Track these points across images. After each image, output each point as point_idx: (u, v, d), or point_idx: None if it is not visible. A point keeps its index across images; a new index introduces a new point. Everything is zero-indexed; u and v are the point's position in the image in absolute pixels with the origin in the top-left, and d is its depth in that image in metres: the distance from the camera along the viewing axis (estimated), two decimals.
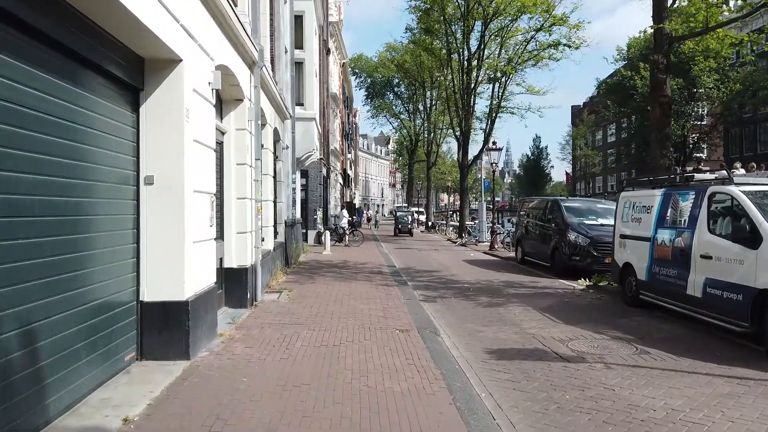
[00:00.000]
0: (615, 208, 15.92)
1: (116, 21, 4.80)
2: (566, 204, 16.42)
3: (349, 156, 55.61)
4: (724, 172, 8.38)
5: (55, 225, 4.37)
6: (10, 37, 3.80)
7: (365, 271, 15.15)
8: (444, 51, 32.94)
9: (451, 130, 37.09)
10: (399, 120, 56.06)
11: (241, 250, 9.21)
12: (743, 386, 5.74)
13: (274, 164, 13.62)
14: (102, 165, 5.11)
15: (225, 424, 4.36)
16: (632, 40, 46.28)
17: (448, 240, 31.80)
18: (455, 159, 55.33)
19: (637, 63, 40.34)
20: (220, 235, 8.59)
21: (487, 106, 32.52)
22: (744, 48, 26.39)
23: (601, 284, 12.54)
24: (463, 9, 29.05)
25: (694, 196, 8.75)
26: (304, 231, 22.83)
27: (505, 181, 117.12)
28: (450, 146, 69.17)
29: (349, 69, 49.92)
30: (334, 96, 33.53)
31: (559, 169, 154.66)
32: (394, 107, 55.09)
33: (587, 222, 15.30)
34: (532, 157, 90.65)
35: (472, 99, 30.66)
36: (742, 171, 11.68)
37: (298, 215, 19.55)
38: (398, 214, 38.10)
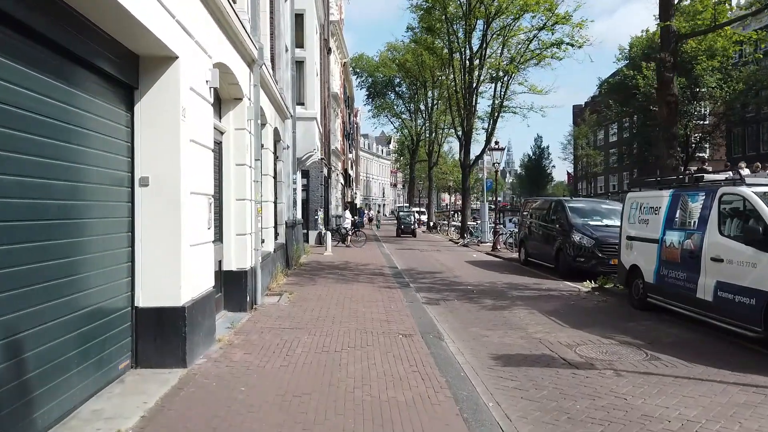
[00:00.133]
0: (619, 208, 15.89)
1: (108, 16, 4.60)
2: (570, 204, 16.22)
3: (350, 156, 55.43)
4: (736, 172, 8.16)
5: (45, 229, 4.18)
6: None
7: (367, 272, 14.96)
8: (446, 50, 32.74)
9: (453, 130, 36.87)
10: (400, 120, 55.90)
11: (241, 253, 9.01)
12: (760, 395, 5.54)
13: (275, 164, 13.43)
14: (95, 166, 4.92)
15: None
16: (634, 39, 46.08)
17: (450, 240, 31.62)
18: (457, 159, 55.17)
19: (640, 62, 40.18)
20: (218, 238, 8.39)
21: (489, 106, 32.24)
22: (751, 45, 26.20)
23: (607, 286, 12.33)
24: (465, 8, 28.84)
25: (703, 197, 8.54)
26: (305, 231, 22.65)
27: (506, 180, 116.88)
28: (451, 146, 68.97)
29: (350, 68, 49.73)
30: (335, 95, 33.35)
31: (560, 169, 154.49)
32: (395, 107, 54.95)
33: (592, 223, 15.09)
34: (533, 157, 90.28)
35: (474, 98, 30.45)
36: (747, 171, 11.46)
37: (299, 216, 19.36)
38: (401, 214, 37.58)
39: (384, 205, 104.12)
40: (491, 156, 26.41)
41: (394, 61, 47.76)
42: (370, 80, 52.79)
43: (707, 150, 44.36)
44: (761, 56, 35.05)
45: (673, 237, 9.09)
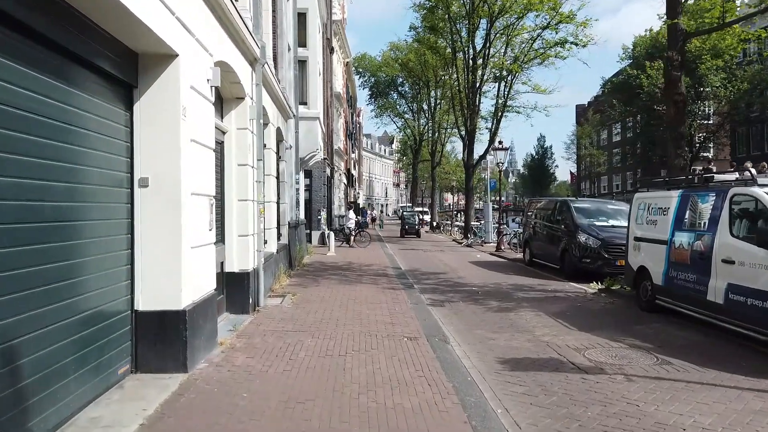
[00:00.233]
0: (625, 208, 15.72)
1: (106, 13, 4.47)
2: (576, 205, 16.06)
3: (353, 156, 55.29)
4: (748, 172, 8.00)
5: (41, 231, 4.06)
6: None
7: (370, 273, 14.82)
8: (449, 49, 32.62)
9: (456, 130, 36.65)
10: (403, 119, 55.73)
11: (243, 254, 8.89)
12: None
13: (277, 164, 13.30)
14: (93, 167, 4.79)
15: None
16: (638, 39, 45.84)
17: (454, 240, 31.47)
18: (459, 159, 55.11)
19: (643, 62, 39.96)
20: (220, 239, 8.27)
21: (492, 106, 32.18)
22: (761, 44, 25.94)
23: (614, 288, 12.17)
24: (468, 7, 28.69)
25: (714, 198, 8.38)
26: (308, 232, 22.51)
27: (509, 180, 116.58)
28: (454, 146, 68.90)
29: (353, 68, 49.59)
30: (338, 95, 33.21)
31: (563, 169, 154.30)
32: (398, 107, 54.78)
33: (598, 223, 14.94)
34: (536, 157, 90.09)
35: (477, 98, 30.30)
36: (753, 171, 11.27)
37: (302, 216, 19.23)
38: (404, 214, 36.91)
39: (387, 205, 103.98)
40: (495, 156, 26.23)
41: (396, 60, 47.61)
42: (372, 80, 52.64)
43: (711, 150, 44.14)
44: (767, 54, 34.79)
45: (683, 238, 8.93)
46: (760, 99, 37.15)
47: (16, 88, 3.75)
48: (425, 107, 50.90)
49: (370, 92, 53.17)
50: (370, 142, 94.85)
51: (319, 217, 24.53)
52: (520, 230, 23.91)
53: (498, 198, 27.12)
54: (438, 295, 11.76)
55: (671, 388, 5.77)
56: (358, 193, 64.09)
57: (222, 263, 8.41)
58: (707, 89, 37.68)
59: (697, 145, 40.42)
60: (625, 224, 13.23)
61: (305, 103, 19.92)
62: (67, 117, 4.39)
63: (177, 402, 4.87)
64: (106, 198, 5.04)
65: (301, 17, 19.07)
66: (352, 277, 13.77)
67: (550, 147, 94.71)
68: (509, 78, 29.90)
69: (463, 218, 39.57)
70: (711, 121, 42.28)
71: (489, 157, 32.82)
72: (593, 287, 12.65)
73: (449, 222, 45.31)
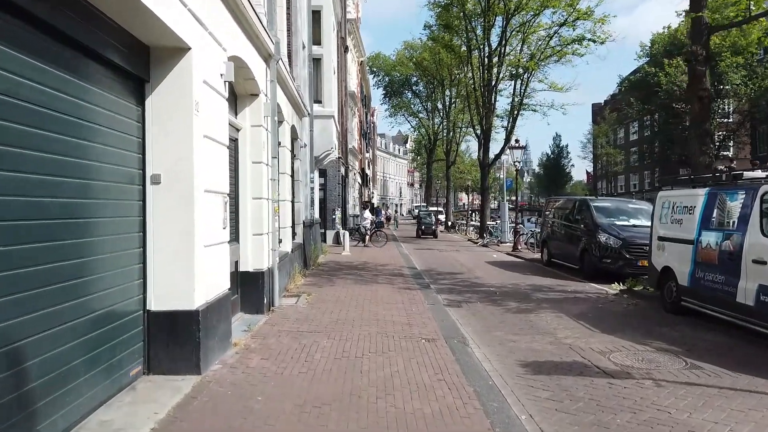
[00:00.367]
0: (646, 207, 15.39)
1: (116, 3, 4.32)
2: (595, 204, 15.72)
3: (367, 155, 55.12)
4: None
5: (51, 229, 3.92)
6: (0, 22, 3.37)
7: (386, 273, 14.64)
8: (464, 48, 32.32)
9: (471, 129, 36.37)
10: (417, 119, 55.52)
11: (258, 253, 8.74)
12: None
13: (292, 163, 13.16)
14: (104, 163, 4.65)
15: None
16: (656, 36, 45.22)
17: (469, 240, 31.17)
18: (474, 158, 54.72)
19: (661, 59, 39.33)
20: (234, 238, 8.13)
21: (508, 104, 31.73)
22: None
23: (636, 289, 11.85)
24: (483, 4, 28.33)
25: (743, 196, 8.07)
26: (323, 231, 22.36)
27: (523, 180, 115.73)
28: (468, 145, 68.44)
29: (367, 68, 49.45)
30: (352, 94, 33.05)
31: (579, 168, 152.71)
32: (412, 106, 54.61)
33: (618, 223, 14.61)
34: (552, 156, 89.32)
35: (493, 96, 29.94)
36: None
37: (317, 215, 19.09)
38: (421, 214, 35.77)
39: (401, 204, 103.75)
40: (511, 154, 25.88)
41: (411, 59, 47.42)
42: (386, 79, 52.53)
43: (731, 148, 43.33)
44: None
45: (710, 238, 8.62)
46: None
47: (27, 81, 3.62)
48: (440, 106, 50.66)
49: (384, 91, 53.15)
50: (384, 141, 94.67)
51: (333, 217, 24.38)
52: (537, 230, 23.60)
53: (516, 197, 26.74)
54: (455, 295, 11.53)
55: (703, 394, 5.52)
56: (373, 192, 63.93)
57: (236, 262, 8.27)
58: (727, 87, 36.98)
59: (717, 144, 39.71)
60: (647, 224, 12.96)
61: (320, 102, 19.78)
62: (79, 112, 4.26)
63: (190, 405, 4.71)
64: (118, 195, 4.90)
65: (316, 15, 18.92)
66: (367, 277, 13.58)
67: (566, 146, 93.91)
68: (525, 76, 29.51)
69: (477, 218, 39.26)
70: (731, 120, 41.50)
71: (504, 157, 32.49)
72: (614, 288, 12.35)
73: (465, 222, 44.95)
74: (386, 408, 4.78)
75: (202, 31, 5.67)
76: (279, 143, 10.01)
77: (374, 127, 69.25)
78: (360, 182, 44.45)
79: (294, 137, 13.40)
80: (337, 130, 22.40)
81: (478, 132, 31.61)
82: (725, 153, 39.91)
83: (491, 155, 31.35)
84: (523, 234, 24.30)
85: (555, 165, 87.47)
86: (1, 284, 3.40)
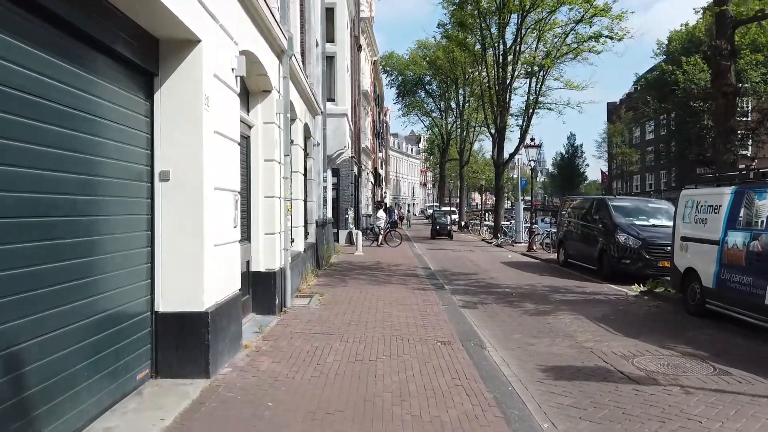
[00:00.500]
0: (666, 207, 15.04)
1: None
2: (614, 203, 15.37)
3: (380, 155, 54.92)
4: None
5: (57, 227, 3.77)
6: (5, 11, 3.21)
7: (399, 273, 14.42)
8: (478, 46, 32.04)
9: (485, 128, 35.95)
10: (430, 118, 55.20)
11: (269, 253, 8.57)
12: None
13: (305, 161, 12.98)
14: (111, 158, 4.48)
15: None
16: (673, 34, 44.58)
17: (483, 240, 30.87)
18: (488, 157, 54.36)
19: (679, 57, 38.73)
20: (246, 237, 7.95)
21: (523, 103, 31.36)
22: None
23: (657, 290, 11.52)
24: (498, 2, 28.00)
25: None
26: (336, 231, 22.20)
27: (537, 180, 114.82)
28: (482, 145, 68.18)
29: (380, 67, 49.24)
30: (365, 93, 32.86)
31: (594, 168, 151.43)
32: (425, 105, 54.31)
33: (637, 222, 14.28)
34: (566, 155, 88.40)
35: (507, 95, 29.63)
36: None
37: (330, 215, 18.92)
38: (435, 214, 35.01)
39: (413, 204, 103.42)
40: (526, 153, 25.51)
41: (424, 58, 47.14)
42: (400, 78, 52.26)
43: (750, 147, 42.54)
44: None
45: (737, 238, 8.31)
46: None
47: (32, 73, 3.46)
48: (453, 105, 50.28)
49: (397, 91, 52.85)
50: (397, 141, 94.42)
51: (346, 216, 24.20)
52: (551, 230, 23.25)
53: (531, 197, 26.42)
54: (470, 296, 11.30)
55: (735, 401, 5.24)
56: (385, 192, 63.74)
57: (248, 262, 8.10)
58: (746, 85, 36.30)
59: (736, 143, 38.98)
60: (667, 223, 12.65)
61: (333, 100, 19.62)
62: (86, 106, 4.10)
63: (197, 412, 4.53)
64: (124, 192, 4.74)
65: (329, 12, 18.76)
66: (381, 278, 13.38)
67: (581, 145, 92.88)
68: (541, 74, 29.16)
69: (491, 218, 38.90)
70: (749, 118, 40.74)
71: (517, 156, 32.09)
72: (634, 289, 12.03)
73: (478, 222, 44.58)
74: (402, 415, 4.56)
75: (212, 23, 5.49)
76: (292, 141, 9.83)
77: (387, 126, 69.06)
78: (373, 182, 44.24)
79: (307, 136, 13.23)
80: (351, 129, 22.23)
81: (493, 131, 31.30)
82: (744, 152, 39.19)
83: (506, 154, 31.09)
84: (538, 234, 23.96)
85: (569, 164, 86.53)
86: (2, 284, 3.24)
